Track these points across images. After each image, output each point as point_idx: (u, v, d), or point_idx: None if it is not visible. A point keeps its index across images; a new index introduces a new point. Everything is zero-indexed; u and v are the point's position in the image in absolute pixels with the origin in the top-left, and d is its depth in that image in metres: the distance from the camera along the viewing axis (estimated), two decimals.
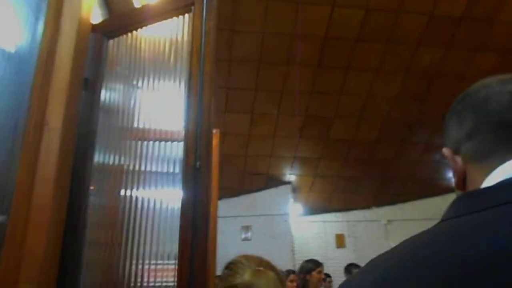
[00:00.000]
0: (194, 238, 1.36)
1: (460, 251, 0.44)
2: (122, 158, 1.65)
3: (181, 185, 1.45)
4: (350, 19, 5.68)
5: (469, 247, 0.44)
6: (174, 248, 1.39)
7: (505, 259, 0.39)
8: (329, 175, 7.89)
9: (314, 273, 3.40)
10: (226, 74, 6.11)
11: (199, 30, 1.60)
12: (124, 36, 1.81)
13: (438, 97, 6.62)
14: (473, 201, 0.52)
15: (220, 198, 8.05)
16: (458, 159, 0.64)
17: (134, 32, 1.79)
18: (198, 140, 1.47)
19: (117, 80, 1.81)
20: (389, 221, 8.40)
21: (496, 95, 0.59)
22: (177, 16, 1.71)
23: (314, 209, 8.42)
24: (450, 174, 8.19)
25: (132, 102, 1.73)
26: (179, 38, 1.69)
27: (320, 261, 4.02)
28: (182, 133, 1.52)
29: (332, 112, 6.79)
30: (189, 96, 1.55)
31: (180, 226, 1.40)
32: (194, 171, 1.43)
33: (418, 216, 8.37)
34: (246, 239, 7.78)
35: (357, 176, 7.93)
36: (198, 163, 1.42)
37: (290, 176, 7.91)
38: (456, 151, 0.65)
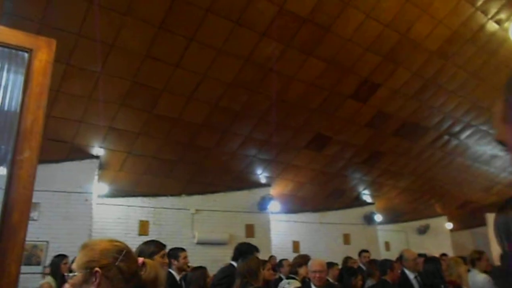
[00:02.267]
0: None
1: None
2: None
3: None
4: None
5: None
6: None
7: None
8: (144, 155, 7.13)
9: (157, 257, 2.74)
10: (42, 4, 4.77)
11: None
12: None
13: (267, 92, 6.74)
14: None
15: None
16: None
17: None
18: None
19: None
20: (197, 210, 8.16)
21: None
22: None
23: (120, 191, 7.49)
24: (259, 170, 8.55)
25: None
26: None
27: None
28: None
29: (163, 83, 6.12)
30: None
31: None
32: None
33: (225, 208, 8.42)
34: (30, 218, 6.27)
35: (173, 160, 7.42)
36: None
37: (100, 149, 6.81)
38: None
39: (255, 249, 4.08)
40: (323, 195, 9.79)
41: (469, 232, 13.32)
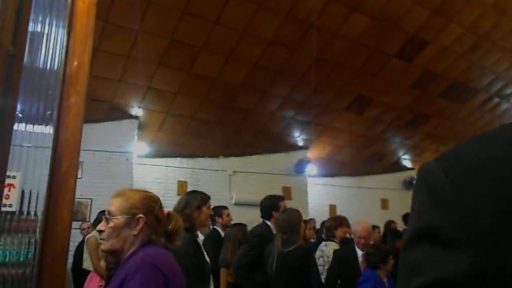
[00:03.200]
0: None
1: None
2: None
3: None
4: None
5: None
6: None
7: None
8: (183, 115, 7.09)
9: (204, 208, 2.69)
10: None
11: None
12: None
13: (308, 50, 6.46)
14: None
15: None
16: None
17: None
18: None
19: None
20: (234, 172, 8.15)
21: None
22: None
23: (159, 152, 7.55)
24: (297, 132, 8.38)
25: None
26: None
27: None
28: None
29: (201, 41, 5.96)
30: None
31: None
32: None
33: (262, 170, 8.36)
34: None
35: (211, 120, 7.35)
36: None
37: (139, 109, 6.82)
38: None
39: (280, 198, 3.84)
40: (362, 159, 9.55)
41: None
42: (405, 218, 6.44)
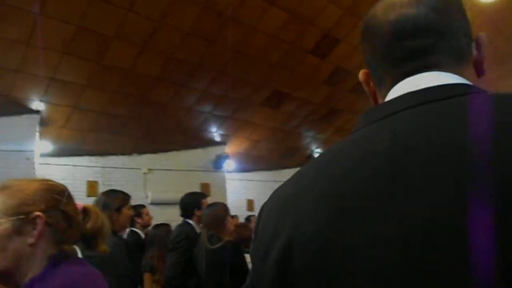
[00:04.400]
0: None
1: (361, 150, 0.54)
2: None
3: None
4: None
5: (372, 144, 0.53)
6: None
7: (402, 151, 0.48)
8: (92, 110, 6.54)
9: (125, 209, 2.44)
10: None
11: None
12: None
13: (226, 44, 6.35)
14: (375, 112, 0.60)
15: None
16: (371, 83, 0.73)
17: None
18: None
19: None
20: (149, 170, 7.77)
21: (379, 29, 0.66)
22: None
23: (64, 150, 6.89)
24: (214, 128, 8.25)
25: None
26: None
27: None
28: None
29: (114, 29, 5.53)
30: None
31: None
32: None
33: (179, 167, 8.10)
34: None
35: (123, 116, 6.90)
36: None
37: (40, 103, 6.14)
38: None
39: (201, 196, 3.70)
40: (278, 153, 9.73)
41: None
42: None
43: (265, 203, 0.61)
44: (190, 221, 3.42)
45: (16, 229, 1.01)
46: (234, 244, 3.01)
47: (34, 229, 1.02)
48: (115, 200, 2.45)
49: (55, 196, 1.09)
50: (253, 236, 0.58)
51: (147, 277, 3.47)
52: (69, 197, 1.15)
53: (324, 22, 6.71)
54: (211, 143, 8.42)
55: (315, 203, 0.51)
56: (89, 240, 1.24)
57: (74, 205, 1.17)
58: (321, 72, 7.75)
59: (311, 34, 6.86)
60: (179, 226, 3.46)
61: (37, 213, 1.03)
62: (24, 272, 1.01)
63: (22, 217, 1.02)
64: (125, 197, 2.55)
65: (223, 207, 3.16)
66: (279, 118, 8.60)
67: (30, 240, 1.02)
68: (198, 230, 3.30)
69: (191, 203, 3.50)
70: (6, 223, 1.00)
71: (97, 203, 2.42)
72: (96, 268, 2.10)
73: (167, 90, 6.77)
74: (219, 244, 2.89)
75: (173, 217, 7.49)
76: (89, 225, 1.22)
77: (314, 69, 7.58)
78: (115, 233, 2.37)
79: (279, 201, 0.57)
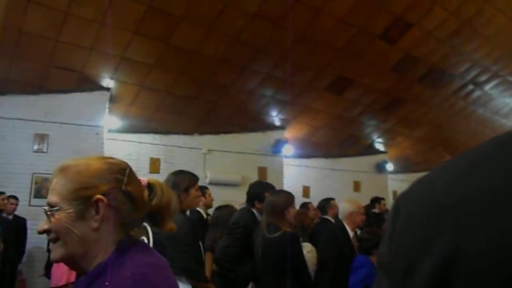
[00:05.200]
0: None
1: None
2: None
3: None
4: None
5: None
6: None
7: None
8: (158, 89, 6.72)
9: (192, 190, 2.47)
10: None
11: None
12: None
13: (292, 27, 6.20)
14: None
15: (5, 92, 5.96)
16: None
17: None
18: None
19: None
20: (209, 150, 7.89)
21: None
22: None
23: (131, 127, 7.17)
24: (275, 112, 8.19)
25: None
26: None
27: None
28: None
29: (181, 10, 5.59)
30: None
31: None
32: None
33: (238, 149, 8.17)
34: (39, 150, 6.01)
35: (187, 96, 7.02)
36: None
37: (111, 81, 6.40)
38: None
39: (268, 188, 3.52)
40: (337, 141, 9.51)
41: None
42: (373, 201, 6.41)
43: (405, 199, 0.49)
44: (253, 209, 3.40)
45: (79, 214, 0.98)
46: (293, 235, 2.95)
47: (97, 212, 0.98)
48: (184, 181, 2.49)
49: (117, 176, 1.02)
50: (385, 235, 0.49)
51: (208, 256, 3.53)
52: (131, 175, 1.06)
53: (396, 5, 6.36)
54: (271, 127, 8.38)
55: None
56: (155, 216, 1.16)
57: (137, 183, 1.08)
58: (389, 58, 7.39)
59: (382, 18, 6.53)
60: (241, 211, 3.45)
61: (99, 196, 0.98)
62: (90, 258, 0.99)
63: (81, 202, 0.98)
64: (194, 178, 2.58)
65: (287, 197, 3.09)
66: (341, 105, 8.36)
67: (94, 224, 0.98)
68: (259, 218, 3.27)
69: (255, 194, 3.44)
70: (69, 209, 0.97)
71: (166, 182, 2.46)
72: (161, 242, 2.13)
73: (231, 72, 6.78)
74: (277, 234, 2.84)
75: (230, 197, 7.60)
76: (154, 201, 1.13)
77: (382, 55, 7.24)
78: (182, 211, 2.42)
79: (429, 202, 0.45)
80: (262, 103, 7.77)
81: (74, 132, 6.17)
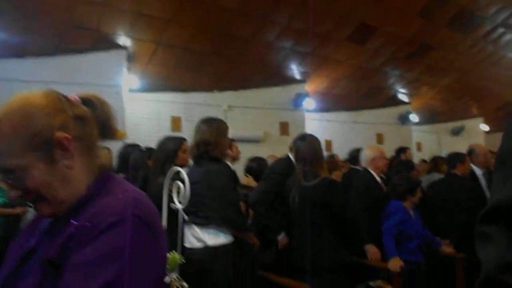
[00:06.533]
0: None
1: None
2: None
3: None
4: None
5: None
6: None
7: None
8: (176, 46, 6.56)
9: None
10: None
11: None
12: None
13: None
14: None
15: (22, 55, 5.91)
16: None
17: None
18: None
19: None
20: (229, 107, 7.79)
21: None
22: None
23: (150, 86, 7.09)
24: (295, 65, 7.96)
25: None
26: None
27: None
28: None
29: None
30: None
31: None
32: None
33: (258, 105, 8.05)
34: None
35: (205, 52, 6.85)
36: None
37: (127, 39, 6.26)
38: None
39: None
40: (359, 93, 9.26)
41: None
42: (398, 151, 6.25)
43: None
44: (291, 156, 3.33)
45: (48, 161, 0.87)
46: (332, 181, 2.87)
47: (65, 150, 0.89)
48: (226, 128, 2.75)
49: (58, 105, 0.91)
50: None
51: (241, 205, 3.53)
52: (68, 99, 0.96)
53: None
54: (291, 81, 8.19)
55: None
56: (105, 128, 1.03)
57: (76, 103, 0.98)
58: (415, 1, 6.99)
59: None
60: (278, 159, 3.43)
61: (58, 133, 0.88)
62: (76, 195, 0.91)
63: (45, 146, 0.87)
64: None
65: (319, 141, 2.99)
66: (364, 55, 8.06)
67: (67, 162, 0.89)
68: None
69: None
70: (35, 162, 0.86)
71: (210, 128, 2.65)
72: (199, 191, 2.22)
73: (248, 24, 6.55)
74: (314, 181, 2.77)
75: (252, 154, 7.60)
76: (99, 112, 1.03)
77: None
78: (218, 159, 2.50)
79: None
80: (282, 55, 7.54)
81: (94, 92, 6.12)
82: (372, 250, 3.01)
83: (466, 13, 7.56)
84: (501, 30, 8.50)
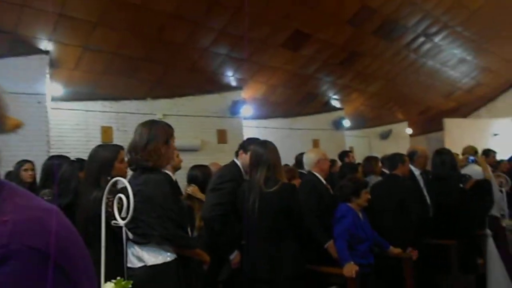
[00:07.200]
0: None
1: None
2: None
3: None
4: None
5: None
6: None
7: None
8: (103, 50, 6.16)
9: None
10: None
11: None
12: None
13: None
14: None
15: None
16: None
17: None
18: None
19: None
20: (164, 115, 7.46)
21: None
22: None
23: (77, 94, 6.57)
24: (231, 72, 7.85)
25: None
26: None
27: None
28: None
29: None
30: None
31: None
32: None
33: (194, 113, 7.82)
34: None
35: (137, 57, 6.51)
36: None
37: (49, 43, 5.75)
38: None
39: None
40: (296, 99, 9.38)
41: (426, 137, 13.75)
42: (342, 155, 6.42)
43: None
44: (238, 162, 3.17)
45: None
46: (292, 187, 2.75)
47: None
48: (163, 132, 2.34)
49: None
50: None
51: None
52: None
53: None
54: (228, 88, 8.06)
55: None
56: None
57: None
58: (346, 10, 7.22)
59: None
60: (225, 166, 3.24)
61: None
62: None
63: None
64: (170, 129, 2.38)
65: (276, 147, 2.87)
66: (298, 62, 8.17)
67: None
68: (244, 172, 3.06)
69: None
70: None
71: (140, 135, 2.32)
72: (135, 206, 1.90)
73: (183, 29, 6.33)
74: (275, 187, 2.62)
75: (190, 163, 7.31)
76: None
77: (338, 6, 7.05)
78: (155, 170, 2.19)
79: None
80: (218, 62, 7.40)
81: (12, 101, 5.50)
82: (334, 247, 2.96)
83: (390, 22, 7.96)
84: (421, 39, 9.08)
